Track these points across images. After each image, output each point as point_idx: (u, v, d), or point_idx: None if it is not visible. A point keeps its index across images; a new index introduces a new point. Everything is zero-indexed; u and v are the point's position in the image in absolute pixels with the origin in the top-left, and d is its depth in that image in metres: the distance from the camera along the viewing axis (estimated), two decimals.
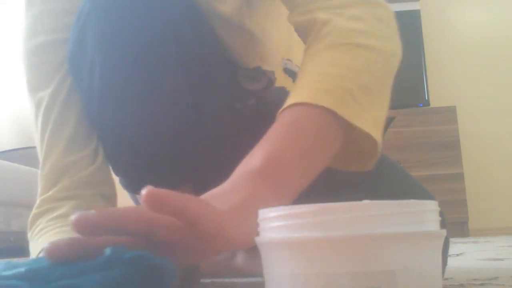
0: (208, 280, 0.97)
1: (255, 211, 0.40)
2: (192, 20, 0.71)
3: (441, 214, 0.73)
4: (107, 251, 0.37)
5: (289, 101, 0.54)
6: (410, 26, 2.94)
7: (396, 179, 0.77)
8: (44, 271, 0.36)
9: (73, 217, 0.37)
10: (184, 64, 0.69)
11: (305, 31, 0.62)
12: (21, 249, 2.55)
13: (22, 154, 2.64)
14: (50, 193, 0.70)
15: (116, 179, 0.79)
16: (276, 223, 0.38)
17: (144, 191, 0.36)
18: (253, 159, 0.49)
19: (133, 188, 0.80)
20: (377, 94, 0.57)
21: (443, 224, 0.74)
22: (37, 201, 0.70)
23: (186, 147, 0.72)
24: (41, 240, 0.63)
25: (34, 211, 0.68)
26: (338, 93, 0.52)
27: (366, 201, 0.36)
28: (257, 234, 0.41)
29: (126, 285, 0.36)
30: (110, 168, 0.77)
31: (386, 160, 0.81)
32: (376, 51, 0.58)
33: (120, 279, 0.36)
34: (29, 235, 0.68)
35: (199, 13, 0.72)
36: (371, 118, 0.54)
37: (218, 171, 0.61)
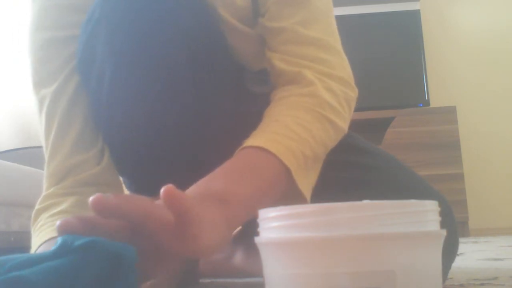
0: (207, 280, 0.97)
1: (208, 223, 0.46)
2: (203, 26, 0.71)
3: (450, 212, 0.74)
4: (59, 240, 0.38)
5: (259, 141, 0.60)
6: (410, 26, 2.93)
7: (403, 178, 0.77)
8: None
9: (92, 198, 0.40)
10: (194, 72, 0.69)
11: (288, 79, 0.68)
12: (21, 249, 2.55)
13: (22, 154, 2.64)
14: (52, 189, 0.70)
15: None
16: (276, 223, 0.38)
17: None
18: (215, 184, 0.54)
19: (138, 190, 0.80)
20: (320, 164, 0.66)
21: (452, 222, 0.74)
22: (40, 197, 0.70)
23: (192, 151, 0.72)
24: (41, 235, 0.63)
25: (36, 206, 0.69)
26: (299, 157, 0.60)
27: (366, 201, 0.36)
28: (257, 234, 0.41)
29: (75, 273, 0.37)
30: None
31: (392, 159, 0.81)
32: (336, 130, 0.66)
33: (68, 267, 0.37)
34: (32, 230, 0.68)
35: (209, 18, 0.72)
36: (309, 182, 0.63)
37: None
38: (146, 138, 0.70)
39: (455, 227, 0.77)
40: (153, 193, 0.80)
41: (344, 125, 0.68)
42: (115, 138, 0.72)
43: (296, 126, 0.62)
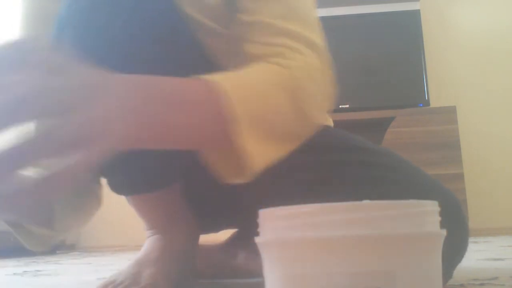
0: (207, 281, 0.97)
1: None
2: (172, 26, 0.70)
3: (459, 210, 0.73)
4: None
5: (223, 79, 0.54)
6: (410, 26, 2.94)
7: (416, 178, 0.77)
8: None
9: None
10: (165, 73, 0.69)
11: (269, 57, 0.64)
12: (21, 249, 2.56)
13: None
14: None
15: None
16: (276, 223, 0.38)
17: None
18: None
19: (120, 189, 0.80)
20: (279, 143, 0.58)
21: (460, 220, 0.73)
22: None
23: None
24: None
25: None
26: (251, 108, 0.54)
27: (366, 201, 0.36)
28: (257, 234, 0.41)
29: None
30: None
31: (402, 160, 0.81)
32: (299, 113, 0.60)
33: None
34: None
35: (178, 18, 0.72)
36: (255, 143, 0.54)
37: (208, 171, 0.61)
38: None
39: (464, 224, 0.76)
40: (133, 190, 0.80)
41: (314, 112, 0.63)
42: None
43: (259, 84, 0.57)
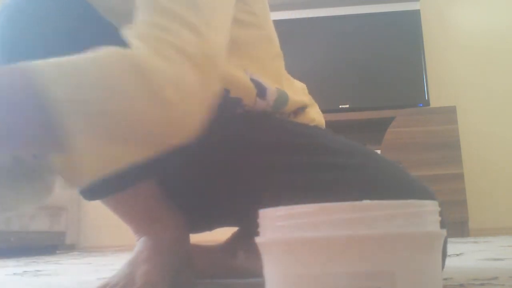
0: (207, 280, 0.97)
1: None
2: (90, 29, 0.71)
3: (441, 213, 0.74)
4: None
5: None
6: (410, 26, 2.94)
7: (394, 177, 0.77)
8: None
9: None
10: None
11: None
12: (21, 249, 2.56)
13: None
14: None
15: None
16: (276, 223, 0.38)
17: None
18: None
19: (88, 195, 0.79)
20: (124, 136, 0.51)
21: (443, 224, 0.74)
22: None
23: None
24: None
25: None
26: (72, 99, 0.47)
27: (366, 201, 0.36)
28: (257, 234, 0.41)
29: None
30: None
31: (382, 159, 0.81)
32: (145, 87, 0.52)
33: None
34: None
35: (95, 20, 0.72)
36: (92, 140, 0.47)
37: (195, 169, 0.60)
38: None
39: (442, 221, 0.76)
40: (97, 194, 0.80)
41: (175, 96, 0.53)
42: None
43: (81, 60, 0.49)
